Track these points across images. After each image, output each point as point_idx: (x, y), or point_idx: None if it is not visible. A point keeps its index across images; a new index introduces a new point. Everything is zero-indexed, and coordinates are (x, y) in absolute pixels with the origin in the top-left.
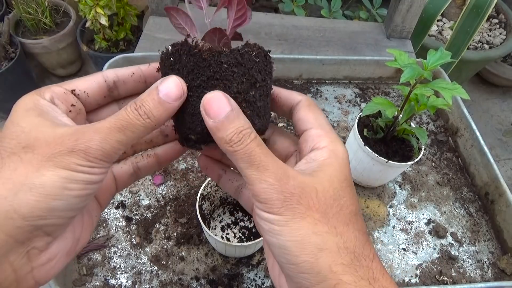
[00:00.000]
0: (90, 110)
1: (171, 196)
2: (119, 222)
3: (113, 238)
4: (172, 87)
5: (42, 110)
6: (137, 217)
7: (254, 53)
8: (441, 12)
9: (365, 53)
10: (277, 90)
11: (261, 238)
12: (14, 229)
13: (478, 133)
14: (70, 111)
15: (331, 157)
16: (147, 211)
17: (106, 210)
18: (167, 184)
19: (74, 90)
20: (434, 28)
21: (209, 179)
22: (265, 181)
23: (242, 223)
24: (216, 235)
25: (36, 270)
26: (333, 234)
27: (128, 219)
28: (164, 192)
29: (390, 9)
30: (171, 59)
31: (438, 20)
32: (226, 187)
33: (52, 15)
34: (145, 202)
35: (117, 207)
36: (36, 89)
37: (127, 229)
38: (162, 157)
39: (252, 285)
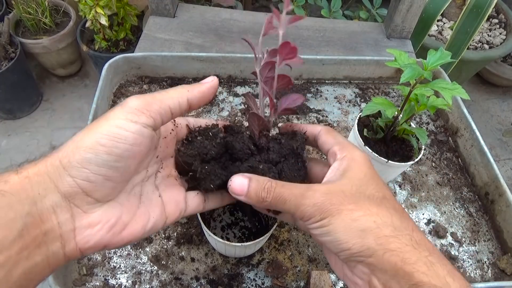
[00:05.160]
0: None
1: None
2: None
3: None
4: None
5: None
6: None
7: (284, 146)
8: (441, 12)
9: (365, 53)
10: (301, 125)
11: (261, 238)
12: (59, 179)
13: (478, 133)
14: (170, 133)
15: (350, 162)
16: None
17: None
18: None
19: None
20: (434, 28)
21: None
22: (302, 204)
23: (242, 223)
24: (215, 235)
25: (78, 232)
26: (368, 215)
27: None
28: None
29: (390, 9)
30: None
31: (438, 20)
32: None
33: (52, 15)
34: None
35: None
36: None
37: None
38: (225, 196)
39: (252, 285)
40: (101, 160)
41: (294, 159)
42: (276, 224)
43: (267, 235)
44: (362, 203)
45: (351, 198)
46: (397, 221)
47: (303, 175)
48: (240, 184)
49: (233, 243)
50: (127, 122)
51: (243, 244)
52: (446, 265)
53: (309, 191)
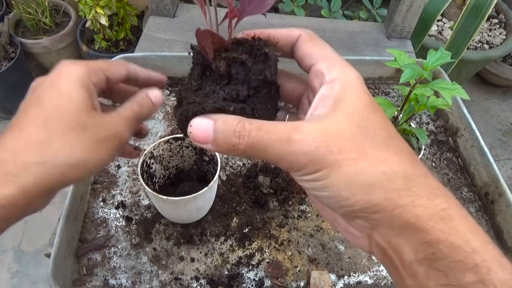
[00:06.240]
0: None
1: None
2: (119, 222)
3: (113, 238)
4: (158, 93)
5: (89, 91)
6: (137, 217)
7: (253, 72)
8: (441, 12)
9: (365, 53)
10: (272, 31)
11: (194, 195)
12: (55, 189)
13: (478, 133)
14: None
15: (344, 87)
16: (147, 211)
17: (106, 210)
18: None
19: (109, 77)
20: (434, 28)
21: (160, 140)
22: (289, 153)
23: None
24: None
25: None
26: (376, 165)
27: (128, 219)
28: None
29: (390, 9)
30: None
31: (438, 20)
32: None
33: (52, 15)
34: (145, 202)
35: (117, 207)
36: (84, 61)
37: (127, 229)
38: None
39: (252, 285)
40: (77, 180)
41: (267, 89)
42: (215, 180)
43: (202, 191)
44: (367, 149)
45: (353, 142)
46: (409, 168)
47: (276, 104)
48: (203, 129)
49: (163, 196)
50: (117, 152)
51: (169, 198)
52: (467, 218)
53: (298, 134)
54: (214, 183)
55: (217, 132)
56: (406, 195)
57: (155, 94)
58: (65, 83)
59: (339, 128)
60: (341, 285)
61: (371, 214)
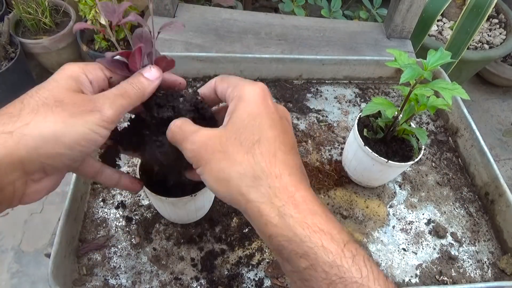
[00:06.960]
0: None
1: None
2: (119, 222)
3: (113, 238)
4: (154, 71)
5: (77, 80)
6: (137, 217)
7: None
8: (441, 12)
9: (365, 53)
10: (201, 91)
11: (194, 194)
12: (29, 162)
13: (478, 133)
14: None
15: (236, 104)
16: (147, 211)
17: (106, 210)
18: None
19: (111, 78)
20: (434, 28)
21: None
22: (184, 148)
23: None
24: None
25: (25, 195)
26: (233, 165)
27: (128, 219)
28: None
29: (390, 9)
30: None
31: (438, 20)
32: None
33: (52, 15)
34: (145, 202)
35: (117, 207)
36: (85, 62)
37: (127, 229)
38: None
39: (252, 285)
40: (74, 156)
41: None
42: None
43: (201, 191)
44: (231, 151)
45: (224, 146)
46: (259, 170)
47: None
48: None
49: (162, 197)
50: (101, 129)
51: (168, 198)
52: (299, 213)
53: (192, 136)
54: None
55: (168, 130)
56: (253, 192)
57: (148, 70)
58: (57, 74)
59: (221, 135)
60: None
61: (240, 206)
